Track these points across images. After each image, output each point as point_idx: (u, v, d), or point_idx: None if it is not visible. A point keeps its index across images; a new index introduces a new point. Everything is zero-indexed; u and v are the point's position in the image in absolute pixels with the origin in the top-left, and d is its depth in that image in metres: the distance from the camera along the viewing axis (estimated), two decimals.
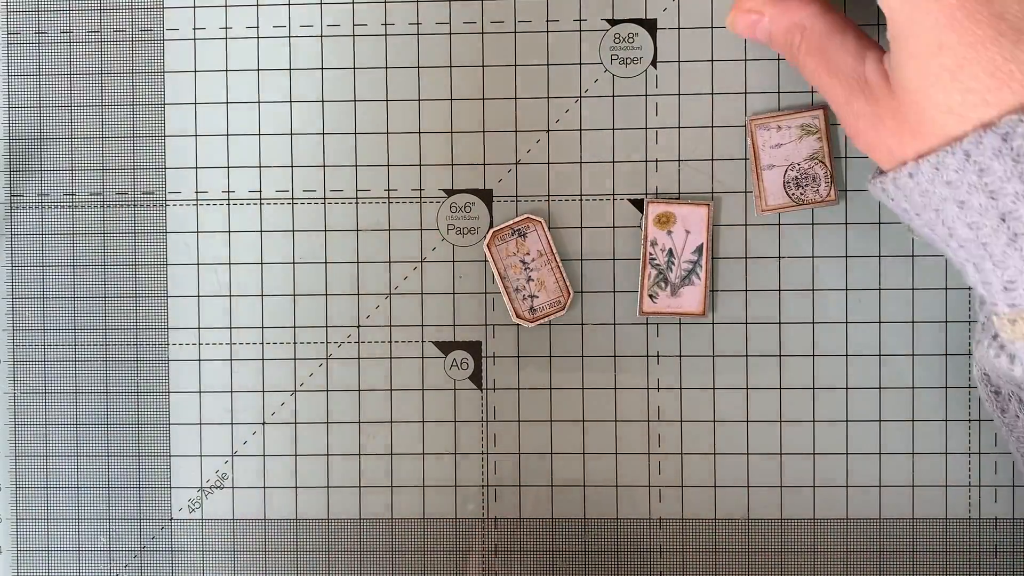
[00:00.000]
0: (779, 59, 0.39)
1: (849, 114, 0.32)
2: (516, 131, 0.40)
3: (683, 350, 0.40)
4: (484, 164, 0.40)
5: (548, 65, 0.40)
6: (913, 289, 0.39)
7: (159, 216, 0.40)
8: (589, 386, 0.40)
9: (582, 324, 0.40)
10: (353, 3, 0.40)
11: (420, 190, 0.40)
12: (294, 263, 0.40)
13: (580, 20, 0.39)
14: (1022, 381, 0.32)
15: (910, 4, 0.29)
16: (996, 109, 0.28)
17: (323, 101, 0.40)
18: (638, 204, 0.40)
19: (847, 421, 0.39)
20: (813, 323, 0.39)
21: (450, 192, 0.40)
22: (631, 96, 0.39)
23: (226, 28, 0.40)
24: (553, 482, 0.40)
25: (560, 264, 0.39)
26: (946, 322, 0.39)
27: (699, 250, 0.39)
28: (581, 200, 0.40)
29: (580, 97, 0.40)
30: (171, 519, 0.40)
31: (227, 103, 0.40)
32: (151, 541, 0.41)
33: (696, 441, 0.40)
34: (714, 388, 0.40)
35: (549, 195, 0.40)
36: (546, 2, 0.40)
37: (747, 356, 0.40)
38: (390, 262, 0.40)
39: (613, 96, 0.39)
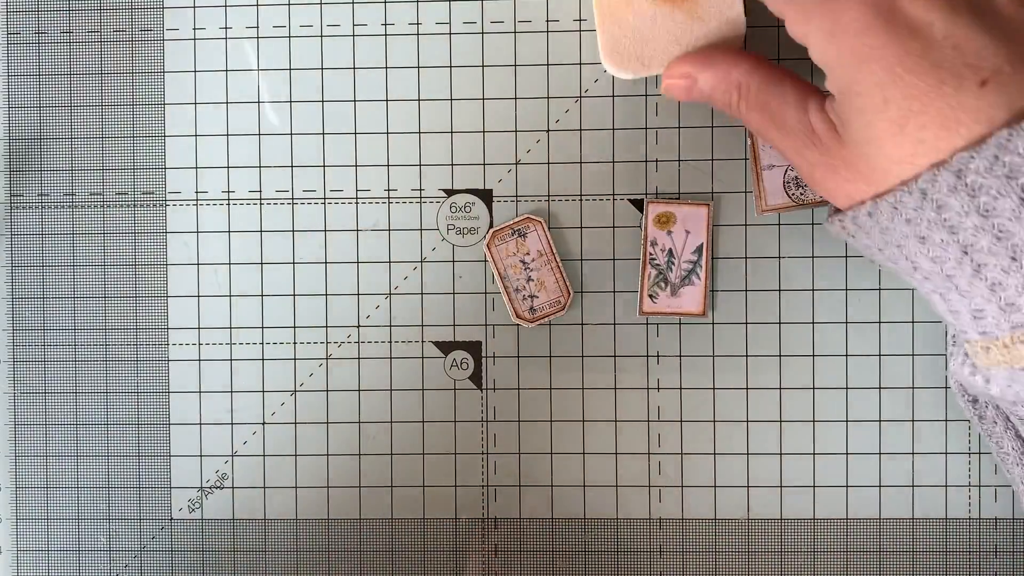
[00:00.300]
0: (779, 59, 0.39)
1: (803, 163, 0.32)
2: (516, 131, 0.40)
3: (683, 350, 0.40)
4: (484, 164, 0.40)
5: (548, 65, 0.40)
6: (913, 289, 0.39)
7: (159, 216, 0.40)
8: (589, 386, 0.40)
9: (582, 324, 0.40)
10: (353, 3, 0.40)
11: (420, 190, 0.40)
12: (294, 263, 0.40)
13: (580, 20, 0.39)
14: (999, 398, 0.32)
15: (849, 63, 0.29)
16: (948, 152, 0.28)
17: (323, 101, 0.40)
18: (638, 204, 0.40)
19: (847, 421, 0.39)
20: (813, 323, 0.39)
21: (450, 192, 0.40)
22: (631, 96, 0.39)
23: (226, 28, 0.40)
24: (553, 482, 0.40)
25: (560, 264, 0.39)
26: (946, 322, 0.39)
27: (699, 250, 0.39)
28: (581, 200, 0.40)
29: (580, 97, 0.40)
30: (171, 519, 0.40)
31: (227, 103, 0.40)
32: (151, 541, 0.41)
33: (696, 441, 0.40)
34: (714, 388, 0.40)
35: (549, 195, 0.40)
36: (546, 2, 0.40)
37: (747, 356, 0.40)
38: (390, 262, 0.40)
39: (613, 96, 0.39)
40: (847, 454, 0.39)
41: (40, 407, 0.41)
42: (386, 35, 0.40)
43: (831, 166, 0.31)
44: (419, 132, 0.40)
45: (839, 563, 0.39)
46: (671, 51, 0.38)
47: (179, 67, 0.40)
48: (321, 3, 0.40)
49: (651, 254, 0.39)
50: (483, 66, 0.40)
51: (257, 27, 0.40)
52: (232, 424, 0.40)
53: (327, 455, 0.40)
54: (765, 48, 0.39)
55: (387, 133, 0.40)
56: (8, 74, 0.40)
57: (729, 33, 0.38)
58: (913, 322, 0.39)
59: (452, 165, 0.40)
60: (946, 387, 0.39)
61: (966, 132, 0.28)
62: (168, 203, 0.40)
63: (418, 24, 0.40)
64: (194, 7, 0.40)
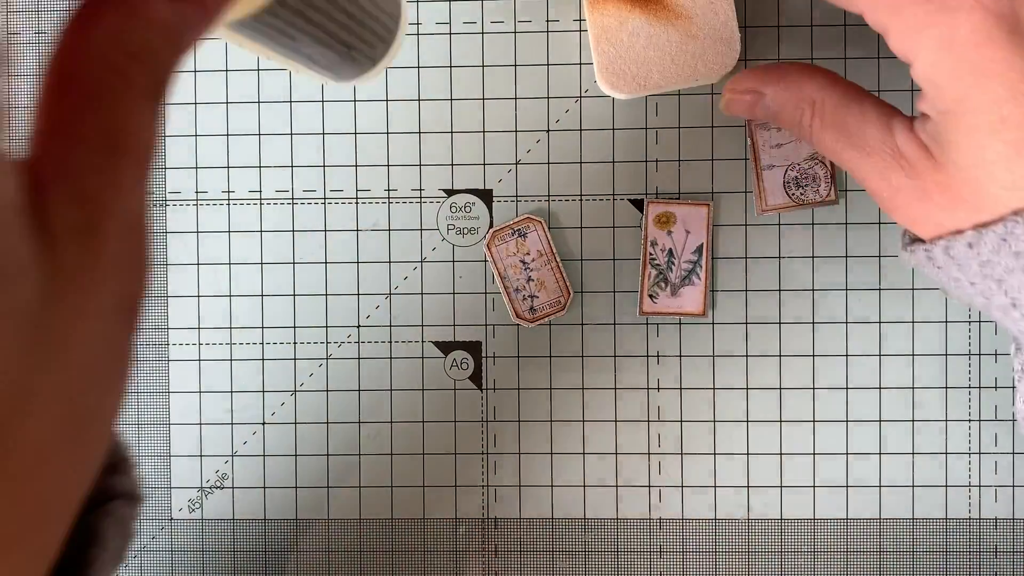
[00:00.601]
0: (778, 59, 0.39)
1: (884, 187, 0.29)
2: (516, 131, 0.40)
3: (683, 350, 0.40)
4: (484, 164, 0.40)
5: (548, 65, 0.40)
6: (913, 289, 0.39)
7: (159, 216, 0.40)
8: (589, 386, 0.40)
9: (582, 324, 0.40)
10: None
11: (420, 190, 0.40)
12: (294, 263, 0.40)
13: (580, 20, 0.39)
14: None
15: (965, 78, 0.26)
16: None
17: (323, 101, 0.40)
18: (638, 204, 0.40)
19: (847, 421, 0.39)
20: (813, 323, 0.39)
21: (450, 192, 0.40)
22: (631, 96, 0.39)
23: None
24: (553, 482, 0.40)
25: (560, 264, 0.39)
26: (946, 322, 0.39)
27: (699, 250, 0.39)
28: (581, 200, 0.40)
29: (580, 97, 0.40)
30: (171, 519, 0.40)
31: (227, 103, 0.40)
32: (151, 541, 0.41)
33: (696, 441, 0.40)
34: (714, 388, 0.40)
35: (549, 195, 0.40)
36: (546, 2, 0.40)
37: (747, 356, 0.40)
38: (390, 262, 0.40)
39: (613, 96, 0.39)
40: (847, 454, 0.39)
41: None
42: None
43: (922, 191, 0.28)
44: (419, 132, 0.40)
45: (839, 563, 0.39)
46: (667, 70, 0.38)
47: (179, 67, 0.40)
48: None
49: (651, 254, 0.39)
50: (483, 66, 0.40)
51: None
52: (232, 424, 0.40)
53: (327, 455, 0.40)
54: (762, 61, 0.39)
55: (387, 133, 0.40)
56: (8, 74, 0.40)
57: (724, 50, 0.38)
58: (913, 322, 0.39)
59: (452, 165, 0.40)
60: (946, 387, 0.39)
61: None
62: (168, 203, 0.40)
63: (418, 24, 0.40)
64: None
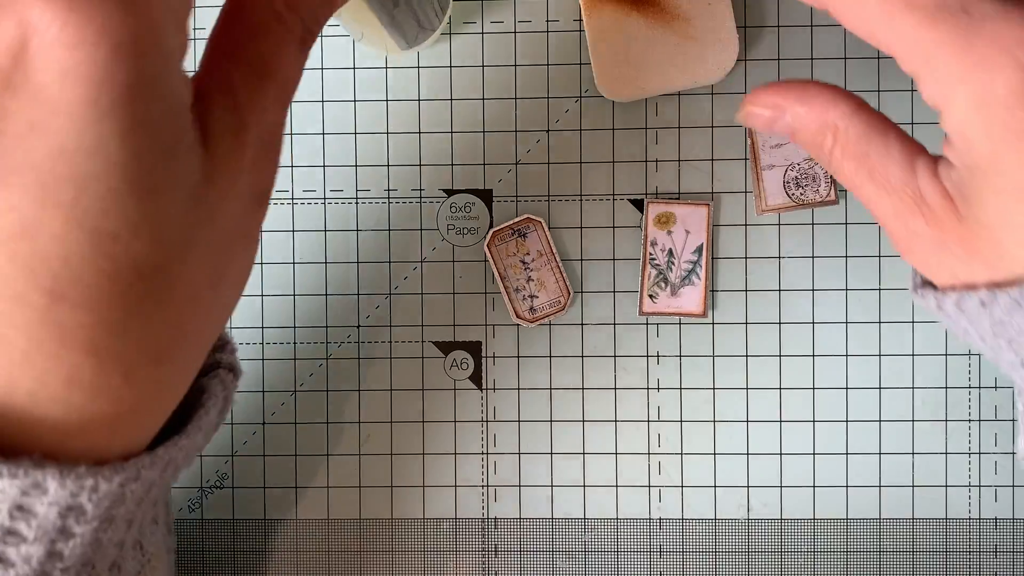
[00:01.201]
0: (778, 59, 0.39)
1: (900, 230, 0.28)
2: (516, 131, 0.40)
3: (683, 350, 0.40)
4: (484, 164, 0.40)
5: (548, 65, 0.40)
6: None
7: None
8: (589, 386, 0.40)
9: (582, 324, 0.40)
10: None
11: (420, 190, 0.40)
12: (294, 263, 0.40)
13: (579, 20, 0.39)
14: None
15: (997, 139, 0.25)
16: None
17: (323, 101, 0.40)
18: (638, 204, 0.40)
19: (847, 421, 0.39)
20: (813, 323, 0.39)
21: (450, 192, 0.40)
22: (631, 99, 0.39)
23: None
24: (553, 482, 0.40)
25: (560, 264, 0.39)
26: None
27: (699, 250, 0.39)
28: (581, 200, 0.40)
29: (580, 97, 0.40)
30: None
31: None
32: None
33: (696, 441, 0.40)
34: (714, 388, 0.40)
35: (549, 195, 0.40)
36: (546, 2, 0.40)
37: (747, 356, 0.40)
38: (390, 262, 0.40)
39: (613, 100, 0.39)
40: (847, 454, 0.39)
41: None
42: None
43: (940, 241, 0.27)
44: (419, 132, 0.40)
45: (839, 563, 0.39)
46: (667, 72, 0.38)
47: None
48: None
49: (651, 254, 0.39)
50: (483, 66, 0.40)
51: None
52: (232, 424, 0.40)
53: (327, 455, 0.40)
54: (761, 65, 0.39)
55: (387, 133, 0.40)
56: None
57: (723, 51, 0.38)
58: (913, 322, 0.39)
59: (452, 165, 0.40)
60: (946, 387, 0.39)
61: None
62: None
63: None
64: (194, 7, 0.40)
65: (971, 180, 0.26)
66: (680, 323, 0.40)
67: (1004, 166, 0.25)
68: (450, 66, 0.40)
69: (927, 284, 0.29)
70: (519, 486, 0.40)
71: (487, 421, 0.40)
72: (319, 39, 0.40)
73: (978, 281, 0.27)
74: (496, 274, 0.40)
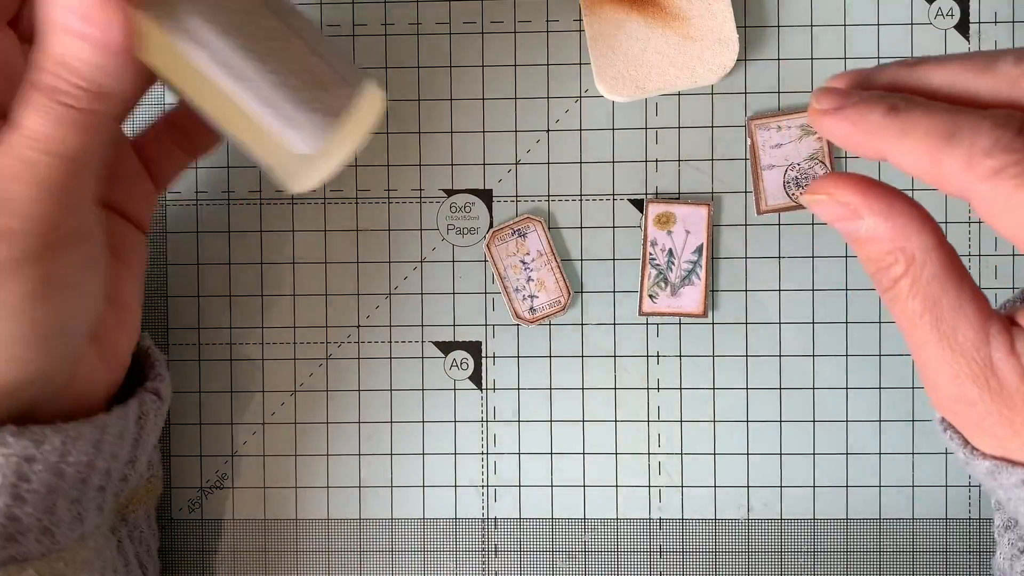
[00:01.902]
0: (778, 59, 0.39)
1: (954, 391, 0.26)
2: (516, 131, 0.40)
3: (683, 350, 0.40)
4: (484, 164, 0.40)
5: (548, 65, 0.40)
6: None
7: (159, 216, 0.40)
8: (589, 386, 0.40)
9: (582, 324, 0.40)
10: (353, 3, 0.40)
11: (420, 190, 0.40)
12: (294, 263, 0.40)
13: (579, 20, 0.39)
14: None
15: None
16: None
17: None
18: (638, 204, 0.40)
19: (847, 421, 0.39)
20: (813, 323, 0.39)
21: (450, 192, 0.40)
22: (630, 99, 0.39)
23: None
24: (553, 482, 0.40)
25: (560, 264, 0.39)
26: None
27: (699, 250, 0.39)
28: (581, 200, 0.40)
29: (580, 97, 0.40)
30: (171, 519, 0.40)
31: None
32: None
33: (696, 441, 0.40)
34: (714, 388, 0.40)
35: (549, 195, 0.40)
36: (546, 2, 0.40)
37: (747, 356, 0.40)
38: (390, 262, 0.40)
39: (613, 100, 0.39)
40: (847, 454, 0.39)
41: None
42: (386, 35, 0.40)
43: (1000, 414, 0.25)
44: (419, 132, 0.40)
45: (839, 563, 0.39)
46: (666, 72, 0.38)
47: None
48: (321, 3, 0.40)
49: (651, 254, 0.39)
50: (483, 66, 0.40)
51: None
52: (232, 424, 0.40)
53: (327, 455, 0.40)
54: (761, 65, 0.39)
55: (387, 133, 0.40)
56: None
57: (723, 51, 0.38)
58: None
59: (452, 165, 0.40)
60: None
61: None
62: (168, 203, 0.40)
63: (418, 24, 0.40)
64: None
65: None
66: (680, 323, 0.40)
67: None
68: (450, 66, 0.40)
69: (952, 429, 0.28)
70: (519, 486, 0.40)
71: (487, 421, 0.40)
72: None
73: (1019, 457, 0.26)
74: (496, 274, 0.40)
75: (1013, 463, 0.26)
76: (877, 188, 0.26)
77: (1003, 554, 0.31)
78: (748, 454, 0.40)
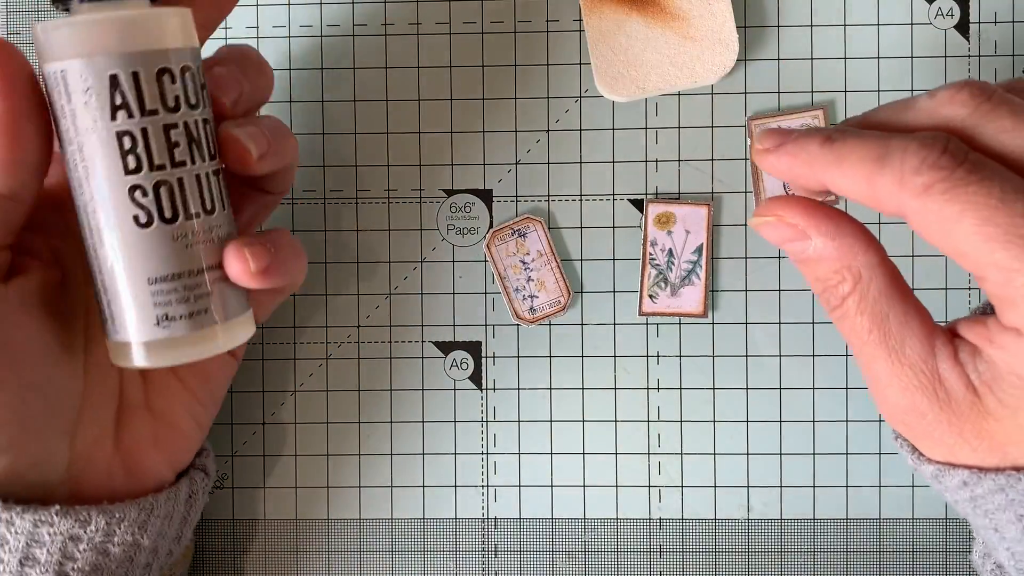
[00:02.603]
0: (778, 59, 0.39)
1: (902, 403, 0.27)
2: (516, 131, 0.40)
3: (683, 350, 0.40)
4: (484, 164, 0.40)
5: (548, 65, 0.40)
6: (913, 288, 0.39)
7: None
8: (589, 386, 0.40)
9: (582, 324, 0.40)
10: (353, 3, 0.40)
11: (420, 190, 0.40)
12: None
13: (579, 20, 0.39)
14: None
15: None
16: None
17: (323, 101, 0.40)
18: (638, 204, 0.40)
19: (847, 421, 0.39)
20: (813, 323, 0.39)
21: (450, 192, 0.40)
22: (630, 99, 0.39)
23: (226, 28, 0.40)
24: (553, 482, 0.40)
25: (560, 264, 0.39)
26: (946, 322, 0.39)
27: (699, 250, 0.39)
28: (581, 200, 0.40)
29: (580, 97, 0.40)
30: None
31: None
32: None
33: (696, 441, 0.40)
34: (714, 388, 0.40)
35: (549, 195, 0.40)
36: (546, 2, 0.40)
37: (747, 356, 0.40)
38: (390, 262, 0.40)
39: (612, 99, 0.39)
40: (847, 454, 0.39)
41: None
42: (386, 35, 0.40)
43: (950, 425, 0.26)
44: (419, 132, 0.40)
45: (839, 563, 0.39)
46: (666, 72, 0.38)
47: None
48: (321, 3, 0.40)
49: (651, 254, 0.39)
50: (483, 66, 0.40)
51: (257, 27, 0.40)
52: (232, 424, 0.40)
53: (327, 455, 0.40)
54: (761, 65, 0.39)
55: (387, 133, 0.40)
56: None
57: (723, 51, 0.38)
58: None
59: (452, 165, 0.40)
60: None
61: None
62: None
63: (418, 24, 0.40)
64: None
65: (1012, 393, 0.25)
66: (680, 323, 0.40)
67: None
68: (450, 66, 0.40)
69: (907, 443, 0.29)
70: (519, 486, 0.40)
71: (487, 421, 0.40)
72: (319, 39, 0.40)
73: (969, 463, 0.27)
74: (496, 274, 0.40)
75: (955, 466, 0.27)
76: (822, 209, 0.27)
77: (976, 551, 0.32)
78: (748, 454, 0.40)
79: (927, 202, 0.25)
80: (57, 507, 0.29)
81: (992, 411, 0.26)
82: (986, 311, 0.30)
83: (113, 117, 0.28)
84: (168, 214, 0.28)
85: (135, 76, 0.28)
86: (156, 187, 0.28)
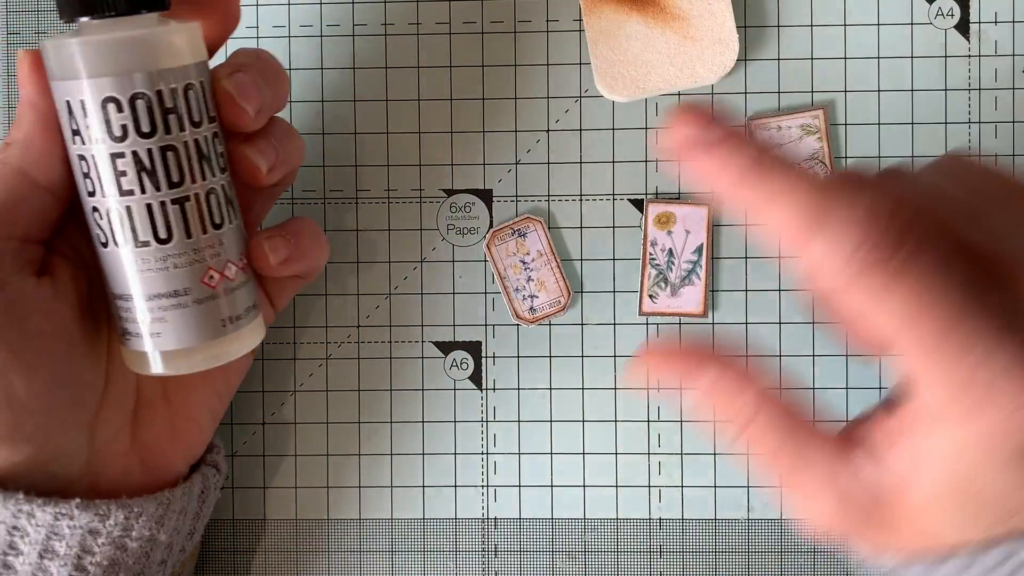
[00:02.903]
0: (778, 59, 0.39)
1: (825, 512, 0.28)
2: (516, 131, 0.40)
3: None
4: (484, 164, 0.40)
5: (548, 65, 0.40)
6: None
7: None
8: (589, 386, 0.40)
9: (582, 324, 0.40)
10: (353, 3, 0.40)
11: (420, 190, 0.40)
12: None
13: (579, 20, 0.39)
14: None
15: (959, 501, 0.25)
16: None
17: (323, 101, 0.40)
18: (638, 204, 0.40)
19: (847, 421, 0.39)
20: (813, 323, 0.39)
21: (450, 192, 0.40)
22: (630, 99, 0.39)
23: None
24: (553, 482, 0.40)
25: (560, 264, 0.39)
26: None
27: (699, 250, 0.39)
28: (581, 200, 0.40)
29: (580, 97, 0.40)
30: None
31: None
32: None
33: (696, 441, 0.40)
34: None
35: (549, 195, 0.40)
36: (546, 2, 0.40)
37: (747, 356, 0.40)
38: (390, 262, 0.40)
39: (613, 99, 0.39)
40: None
41: None
42: (386, 35, 0.40)
43: (875, 532, 0.28)
44: (419, 132, 0.40)
45: (839, 563, 0.39)
46: (666, 72, 0.38)
47: None
48: (321, 3, 0.40)
49: (651, 254, 0.39)
50: (483, 66, 0.40)
51: (257, 27, 0.40)
52: (232, 424, 0.40)
53: (327, 455, 0.40)
54: (761, 65, 0.39)
55: (387, 133, 0.40)
56: (8, 74, 0.40)
57: (723, 52, 0.38)
58: None
59: (452, 165, 0.40)
60: None
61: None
62: None
63: (418, 24, 0.40)
64: None
65: (909, 472, 0.26)
66: (680, 323, 0.40)
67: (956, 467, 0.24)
68: (450, 66, 0.40)
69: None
70: (519, 486, 0.40)
71: (487, 421, 0.40)
72: (319, 39, 0.40)
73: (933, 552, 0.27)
74: (496, 274, 0.40)
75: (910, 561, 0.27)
76: (705, 353, 0.29)
77: None
78: (748, 454, 0.40)
79: (859, 281, 0.24)
80: (77, 500, 0.30)
81: (917, 504, 0.26)
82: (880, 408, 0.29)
83: (115, 138, 0.28)
84: (177, 230, 0.29)
85: (140, 96, 0.28)
86: (163, 204, 0.29)
